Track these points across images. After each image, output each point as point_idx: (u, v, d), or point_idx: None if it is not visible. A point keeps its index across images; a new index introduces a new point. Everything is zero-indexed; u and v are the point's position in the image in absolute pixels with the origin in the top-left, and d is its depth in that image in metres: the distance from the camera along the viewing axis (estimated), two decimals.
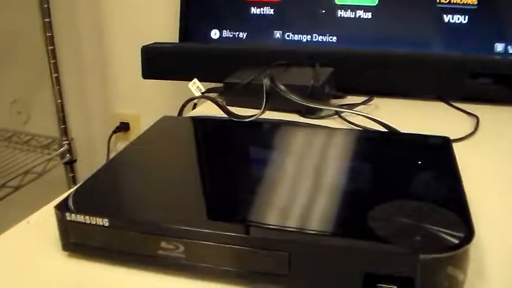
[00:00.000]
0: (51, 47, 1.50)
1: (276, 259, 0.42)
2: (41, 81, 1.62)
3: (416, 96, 0.98)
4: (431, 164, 0.57)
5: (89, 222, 0.46)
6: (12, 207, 1.28)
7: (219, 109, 0.80)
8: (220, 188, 0.52)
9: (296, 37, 1.16)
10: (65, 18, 1.60)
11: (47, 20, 1.47)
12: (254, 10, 1.19)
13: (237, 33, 1.21)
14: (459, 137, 0.75)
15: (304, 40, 1.16)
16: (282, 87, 0.78)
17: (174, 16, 1.29)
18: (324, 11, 1.14)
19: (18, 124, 1.79)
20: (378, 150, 0.62)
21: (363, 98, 0.93)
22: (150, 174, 0.55)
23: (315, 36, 1.15)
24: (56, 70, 1.53)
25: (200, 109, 0.95)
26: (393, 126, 0.74)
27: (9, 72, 1.73)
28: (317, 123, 0.80)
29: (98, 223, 0.45)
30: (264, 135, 0.68)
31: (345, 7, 1.12)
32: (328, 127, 0.74)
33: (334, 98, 0.93)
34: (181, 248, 0.44)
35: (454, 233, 0.42)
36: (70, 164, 1.67)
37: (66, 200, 0.49)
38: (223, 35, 1.23)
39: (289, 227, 0.43)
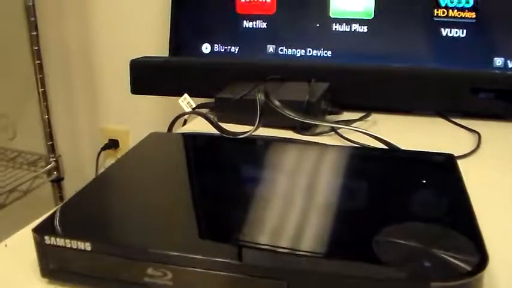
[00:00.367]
0: (38, 62, 1.47)
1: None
2: (28, 96, 1.59)
3: (415, 112, 0.95)
4: (437, 183, 0.53)
5: (69, 246, 0.42)
6: None
7: (211, 125, 0.77)
8: (212, 208, 0.48)
9: (290, 51, 1.13)
10: (52, 32, 1.56)
11: (34, 33, 1.44)
12: (246, 24, 1.16)
13: (229, 47, 1.18)
14: (461, 154, 0.72)
15: (298, 54, 1.13)
16: (277, 102, 0.75)
17: (164, 31, 1.26)
18: (318, 25, 1.11)
19: (4, 140, 1.75)
20: (379, 168, 0.59)
21: (360, 114, 0.90)
22: (137, 194, 0.51)
23: (309, 50, 1.12)
24: (43, 85, 1.50)
25: (190, 125, 0.91)
26: (393, 143, 0.71)
27: None
28: (313, 140, 0.77)
29: (79, 247, 0.42)
30: (258, 152, 0.64)
31: (339, 20, 1.09)
32: (326, 144, 0.71)
33: (330, 114, 0.90)
34: (169, 275, 0.40)
35: (467, 258, 0.38)
36: (57, 182, 1.64)
37: (45, 221, 0.45)
38: (215, 49, 1.20)
39: (287, 252, 0.40)
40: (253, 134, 0.69)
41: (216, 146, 0.65)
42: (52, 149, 1.59)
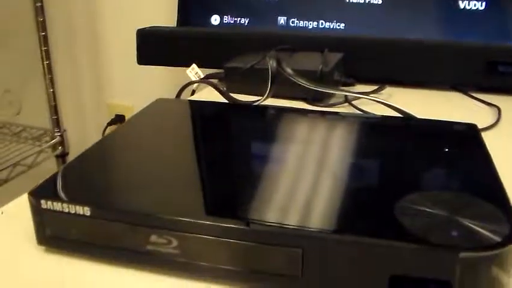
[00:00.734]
0: (43, 33, 1.43)
1: (287, 257, 0.36)
2: (34, 71, 1.56)
3: (432, 86, 0.92)
4: (461, 152, 0.50)
5: (67, 211, 0.39)
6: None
7: (220, 95, 0.74)
8: (219, 176, 0.45)
9: (301, 23, 1.10)
10: (58, 4, 1.53)
11: (39, 4, 1.40)
12: None
13: (239, 19, 1.15)
14: (482, 127, 0.68)
15: (310, 27, 1.09)
16: (289, 70, 0.71)
17: (172, 2, 1.23)
18: None
19: (10, 115, 1.72)
20: (399, 137, 0.55)
21: (374, 87, 0.86)
22: (140, 159, 0.48)
23: (322, 23, 1.08)
24: (48, 57, 1.47)
25: (199, 95, 0.88)
26: (411, 114, 0.68)
27: (0, 61, 1.67)
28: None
29: (78, 212, 0.39)
30: (269, 120, 0.61)
31: None
32: (344, 113, 0.67)
33: (344, 85, 0.86)
34: (174, 242, 0.37)
35: (496, 228, 0.35)
36: (62, 157, 1.61)
37: (43, 185, 0.42)
38: (224, 21, 1.16)
39: (302, 218, 0.37)
40: (263, 104, 0.65)
41: (224, 113, 0.62)
42: (57, 123, 1.56)
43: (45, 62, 1.47)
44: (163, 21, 1.27)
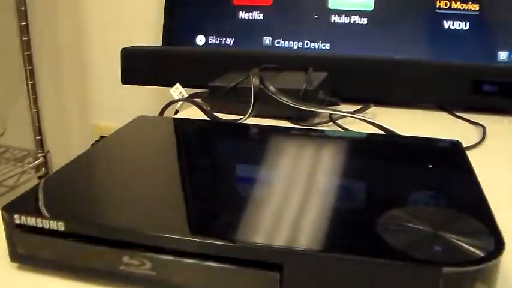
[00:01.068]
0: (27, 53, 1.42)
1: (266, 279, 0.35)
2: (18, 90, 1.55)
3: (417, 106, 0.91)
4: (445, 168, 0.50)
5: (41, 226, 0.38)
6: None
7: (203, 114, 0.73)
8: (200, 192, 0.44)
9: (287, 44, 1.10)
10: (43, 24, 1.52)
11: (24, 23, 1.39)
12: (242, 15, 1.13)
13: (224, 39, 1.15)
14: (467, 146, 0.68)
15: (295, 47, 1.09)
16: (272, 88, 0.71)
17: (157, 23, 1.22)
18: (316, 16, 1.07)
19: None
20: (383, 154, 0.54)
21: (358, 107, 0.86)
22: (120, 175, 0.47)
23: (307, 43, 1.08)
24: (32, 77, 1.46)
25: (182, 114, 0.87)
26: (396, 132, 0.67)
27: None
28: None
29: (52, 227, 0.38)
30: (254, 138, 0.60)
31: (338, 12, 1.06)
32: (326, 130, 0.67)
33: (328, 105, 0.86)
34: (148, 264, 0.36)
35: (480, 244, 0.34)
36: None
37: (17, 200, 0.41)
38: (209, 41, 1.16)
39: (285, 236, 0.36)
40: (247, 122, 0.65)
41: (206, 131, 0.61)
42: (41, 144, 1.55)
43: (29, 82, 1.45)
44: (149, 41, 1.26)
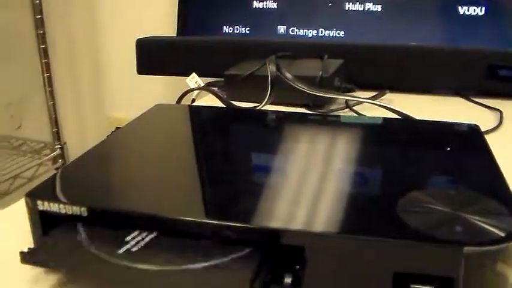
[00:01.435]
0: (43, 46, 1.43)
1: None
2: (34, 83, 1.56)
3: (432, 91, 0.91)
4: (464, 151, 0.50)
5: (64, 212, 0.38)
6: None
7: (220, 103, 0.74)
8: (219, 179, 0.44)
9: (301, 32, 1.10)
10: (58, 16, 1.53)
11: (39, 16, 1.40)
12: (256, 4, 1.13)
13: (239, 28, 1.15)
14: (484, 130, 0.67)
15: (310, 35, 1.09)
16: (288, 75, 0.71)
17: (171, 12, 1.23)
18: (330, 4, 1.07)
19: (11, 128, 1.72)
20: (402, 138, 0.54)
21: (374, 93, 0.86)
22: (139, 163, 0.47)
23: (321, 31, 1.08)
24: (48, 70, 1.47)
25: (198, 104, 0.88)
26: (413, 116, 0.67)
27: (2, 75, 1.67)
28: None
29: (75, 213, 0.38)
30: (271, 124, 0.60)
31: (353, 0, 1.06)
32: (344, 115, 0.67)
33: (344, 92, 0.86)
34: None
35: (500, 224, 0.34)
36: None
37: (40, 186, 0.42)
38: (224, 31, 1.16)
39: (304, 219, 0.36)
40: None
41: (223, 118, 0.61)
42: (57, 136, 1.56)
43: (45, 75, 1.46)
44: (163, 31, 1.27)
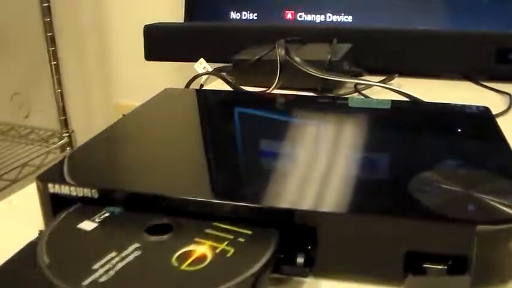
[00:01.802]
0: (50, 34, 1.43)
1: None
2: (42, 72, 1.56)
3: (441, 75, 0.91)
4: (475, 133, 0.49)
5: (75, 194, 0.38)
6: None
7: (228, 88, 0.73)
8: (226, 162, 0.44)
9: (309, 17, 1.09)
10: (64, 4, 1.53)
11: (46, 4, 1.40)
12: None
13: (246, 13, 1.14)
14: (494, 113, 0.67)
15: (318, 20, 1.09)
16: (298, 59, 0.71)
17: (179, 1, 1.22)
18: None
19: (19, 118, 1.72)
20: (413, 120, 0.54)
21: (383, 77, 0.85)
22: (148, 147, 0.47)
23: (329, 16, 1.08)
24: (55, 58, 1.46)
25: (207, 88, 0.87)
26: (424, 100, 0.67)
27: (9, 64, 1.67)
28: None
29: (86, 195, 0.38)
30: (280, 108, 0.60)
31: None
32: (353, 98, 0.66)
33: (353, 76, 0.85)
34: None
35: None
36: None
37: (50, 170, 0.42)
38: (232, 17, 1.15)
39: (316, 198, 0.36)
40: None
41: (232, 101, 0.61)
42: (65, 124, 1.56)
43: (52, 63, 1.46)
44: (171, 18, 1.26)
